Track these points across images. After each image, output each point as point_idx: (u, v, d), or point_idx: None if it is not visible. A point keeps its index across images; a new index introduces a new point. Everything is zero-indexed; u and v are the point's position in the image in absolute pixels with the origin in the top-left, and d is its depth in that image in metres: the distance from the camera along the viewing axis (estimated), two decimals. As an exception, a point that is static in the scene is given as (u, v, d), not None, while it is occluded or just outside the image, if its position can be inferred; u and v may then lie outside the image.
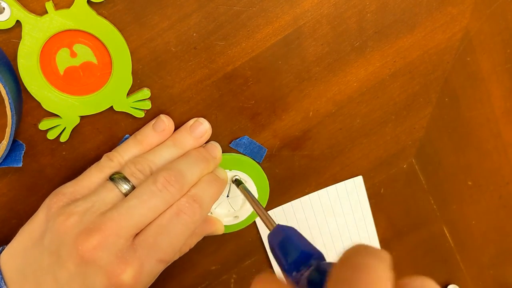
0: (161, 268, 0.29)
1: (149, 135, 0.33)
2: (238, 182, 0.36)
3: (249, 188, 0.37)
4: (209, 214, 0.38)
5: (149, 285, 0.29)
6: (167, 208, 0.29)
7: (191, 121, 0.34)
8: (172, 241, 0.29)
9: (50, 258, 0.28)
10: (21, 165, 0.32)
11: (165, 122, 0.33)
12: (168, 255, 0.29)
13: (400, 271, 0.50)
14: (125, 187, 0.30)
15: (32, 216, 0.30)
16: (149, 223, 0.29)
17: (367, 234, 0.42)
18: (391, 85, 0.37)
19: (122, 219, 0.28)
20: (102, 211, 0.28)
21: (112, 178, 0.30)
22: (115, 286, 0.27)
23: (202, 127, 0.34)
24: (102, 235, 0.27)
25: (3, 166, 0.32)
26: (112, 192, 0.29)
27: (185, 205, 0.30)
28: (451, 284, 0.47)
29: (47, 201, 0.30)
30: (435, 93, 0.38)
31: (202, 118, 0.34)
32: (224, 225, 0.38)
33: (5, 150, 0.30)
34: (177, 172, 0.30)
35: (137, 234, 0.29)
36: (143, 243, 0.28)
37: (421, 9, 0.35)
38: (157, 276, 0.30)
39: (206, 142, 0.35)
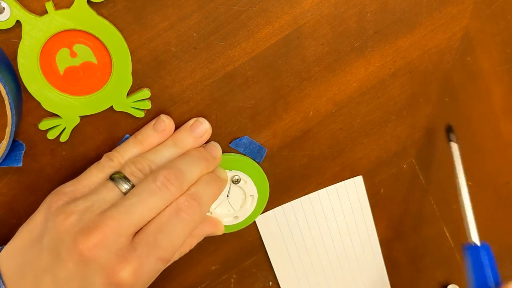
0: (161, 266, 0.29)
1: (150, 135, 0.33)
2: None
3: (249, 188, 0.37)
4: (209, 214, 0.38)
5: (149, 284, 0.29)
6: (167, 207, 0.29)
7: (191, 121, 0.34)
8: (172, 239, 0.29)
9: (49, 257, 0.28)
10: (21, 165, 0.32)
11: (166, 122, 0.33)
12: (168, 254, 0.29)
13: (400, 271, 0.50)
14: (125, 186, 0.30)
15: (32, 215, 0.30)
16: (149, 222, 0.29)
17: (367, 234, 0.42)
18: (391, 85, 0.37)
19: (121, 217, 0.28)
20: (102, 210, 0.28)
21: (112, 178, 0.30)
22: (115, 284, 0.27)
23: (202, 127, 0.34)
24: (101, 234, 0.27)
25: (3, 166, 0.32)
26: (113, 192, 0.29)
27: (184, 203, 0.30)
28: (451, 284, 0.47)
29: (47, 200, 0.30)
30: (435, 93, 0.38)
31: (202, 118, 0.34)
32: (224, 225, 0.38)
33: (5, 150, 0.30)
34: (176, 170, 0.30)
35: (136, 233, 0.29)
36: (142, 242, 0.28)
37: (421, 9, 0.35)
38: (157, 275, 0.30)
39: (206, 142, 0.35)
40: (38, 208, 0.30)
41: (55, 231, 0.28)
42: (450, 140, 0.37)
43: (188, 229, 0.30)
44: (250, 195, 0.38)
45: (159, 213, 0.29)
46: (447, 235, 0.45)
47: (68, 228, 0.28)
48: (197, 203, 0.30)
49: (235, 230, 0.39)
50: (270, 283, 0.43)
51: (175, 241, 0.29)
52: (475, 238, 0.34)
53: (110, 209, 0.28)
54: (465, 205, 0.34)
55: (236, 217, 0.38)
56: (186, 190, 0.30)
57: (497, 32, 0.37)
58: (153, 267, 0.28)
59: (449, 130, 0.38)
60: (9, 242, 0.30)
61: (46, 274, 0.28)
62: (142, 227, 0.29)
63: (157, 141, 0.33)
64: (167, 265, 0.30)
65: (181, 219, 0.29)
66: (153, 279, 0.29)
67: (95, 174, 0.31)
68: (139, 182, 0.30)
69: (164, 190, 0.29)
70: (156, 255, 0.28)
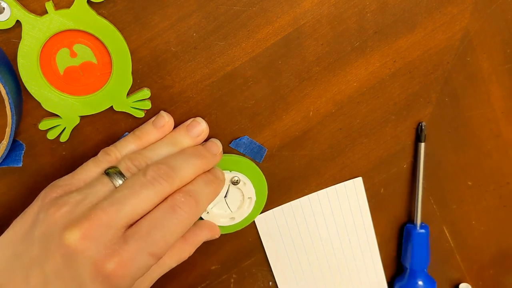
0: (152, 262, 0.28)
1: (148, 131, 0.33)
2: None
3: (248, 190, 0.37)
4: (205, 213, 0.38)
5: (137, 279, 0.28)
6: (162, 202, 0.29)
7: (189, 121, 0.34)
8: (166, 235, 0.28)
9: (39, 249, 0.27)
10: (21, 165, 0.32)
11: (165, 118, 0.33)
12: (160, 249, 0.28)
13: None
14: (119, 182, 0.29)
15: (26, 209, 0.30)
16: (143, 216, 0.28)
17: (366, 236, 0.42)
18: (391, 85, 0.37)
19: (112, 209, 0.27)
20: (94, 203, 0.28)
21: (107, 173, 0.30)
22: (103, 276, 0.27)
23: (199, 127, 0.33)
24: (90, 225, 0.27)
25: (3, 166, 0.32)
26: (106, 186, 0.29)
27: (181, 199, 0.29)
28: (462, 283, 0.47)
29: (42, 193, 0.30)
30: (435, 93, 0.38)
31: (200, 118, 0.34)
32: (220, 226, 0.38)
33: (5, 150, 0.30)
34: (167, 166, 0.30)
35: (130, 226, 0.28)
36: (135, 235, 0.28)
37: (421, 9, 0.35)
38: (147, 271, 0.29)
39: (206, 140, 0.35)
40: (33, 201, 0.30)
41: (46, 223, 0.28)
42: (420, 141, 0.40)
43: (183, 226, 0.29)
44: (248, 197, 0.38)
45: (154, 208, 0.29)
46: (447, 235, 0.45)
47: (58, 220, 0.27)
48: (193, 200, 0.30)
49: (231, 232, 0.39)
50: (270, 283, 0.43)
51: (169, 237, 0.28)
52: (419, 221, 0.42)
53: (101, 201, 0.28)
54: (419, 194, 0.41)
55: (232, 218, 0.38)
56: (183, 187, 0.30)
57: (497, 32, 0.37)
58: (144, 262, 0.28)
59: (420, 129, 0.39)
60: (2, 235, 0.29)
61: (35, 266, 0.27)
62: (136, 222, 0.28)
63: (155, 138, 0.33)
64: (158, 260, 0.29)
65: (177, 215, 0.29)
66: (143, 275, 0.28)
67: (91, 169, 0.31)
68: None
69: (155, 184, 0.29)
70: (148, 250, 0.28)
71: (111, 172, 0.30)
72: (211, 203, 0.37)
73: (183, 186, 0.30)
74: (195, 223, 0.37)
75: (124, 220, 0.28)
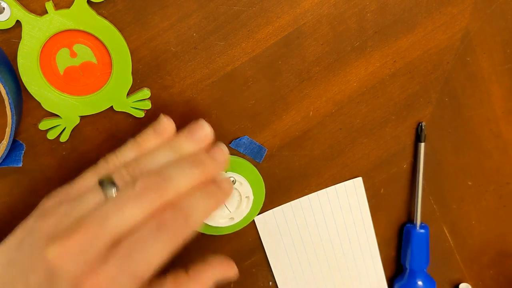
0: (132, 284, 0.26)
1: (149, 137, 0.31)
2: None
3: (245, 190, 0.37)
4: None
5: None
6: (150, 218, 0.26)
7: (191, 124, 0.31)
8: (148, 257, 0.26)
9: (26, 261, 0.26)
10: (21, 165, 0.32)
11: (165, 123, 0.31)
12: (142, 272, 0.26)
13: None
14: (112, 191, 0.27)
15: (27, 217, 0.30)
16: (130, 233, 0.26)
17: (366, 236, 0.42)
18: (391, 85, 0.37)
19: (94, 225, 0.26)
20: (80, 216, 0.26)
21: (101, 182, 0.28)
22: None
23: (202, 131, 0.31)
24: (72, 242, 0.25)
25: (3, 166, 0.32)
26: (97, 197, 0.27)
27: (167, 217, 0.26)
28: (462, 283, 0.47)
29: (41, 201, 0.29)
30: (435, 93, 0.38)
31: (203, 121, 0.31)
32: (219, 227, 0.38)
33: (5, 150, 0.30)
34: (159, 175, 0.27)
35: (114, 244, 0.26)
36: (117, 255, 0.26)
37: (421, 9, 0.35)
38: None
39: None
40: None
41: (36, 233, 0.27)
42: (419, 141, 0.40)
43: (169, 247, 0.26)
44: (246, 197, 0.38)
45: (142, 225, 0.26)
46: (447, 235, 0.45)
47: (45, 232, 0.26)
48: (183, 217, 0.27)
49: (231, 232, 0.39)
50: (270, 283, 0.43)
51: (152, 259, 0.26)
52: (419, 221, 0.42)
53: (86, 216, 0.26)
54: (419, 194, 0.41)
55: (231, 218, 0.38)
56: (176, 201, 0.27)
57: (497, 32, 0.37)
58: (124, 284, 0.25)
59: (420, 129, 0.39)
60: (2, 242, 0.29)
61: (21, 280, 0.26)
62: (121, 239, 0.26)
63: (156, 144, 0.30)
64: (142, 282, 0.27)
65: (162, 235, 0.26)
66: None
67: (89, 177, 0.29)
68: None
69: (142, 198, 0.26)
70: (129, 272, 0.25)
71: (105, 181, 0.28)
72: None
73: (178, 199, 0.28)
74: (204, 259, 0.33)
75: (106, 237, 0.26)
